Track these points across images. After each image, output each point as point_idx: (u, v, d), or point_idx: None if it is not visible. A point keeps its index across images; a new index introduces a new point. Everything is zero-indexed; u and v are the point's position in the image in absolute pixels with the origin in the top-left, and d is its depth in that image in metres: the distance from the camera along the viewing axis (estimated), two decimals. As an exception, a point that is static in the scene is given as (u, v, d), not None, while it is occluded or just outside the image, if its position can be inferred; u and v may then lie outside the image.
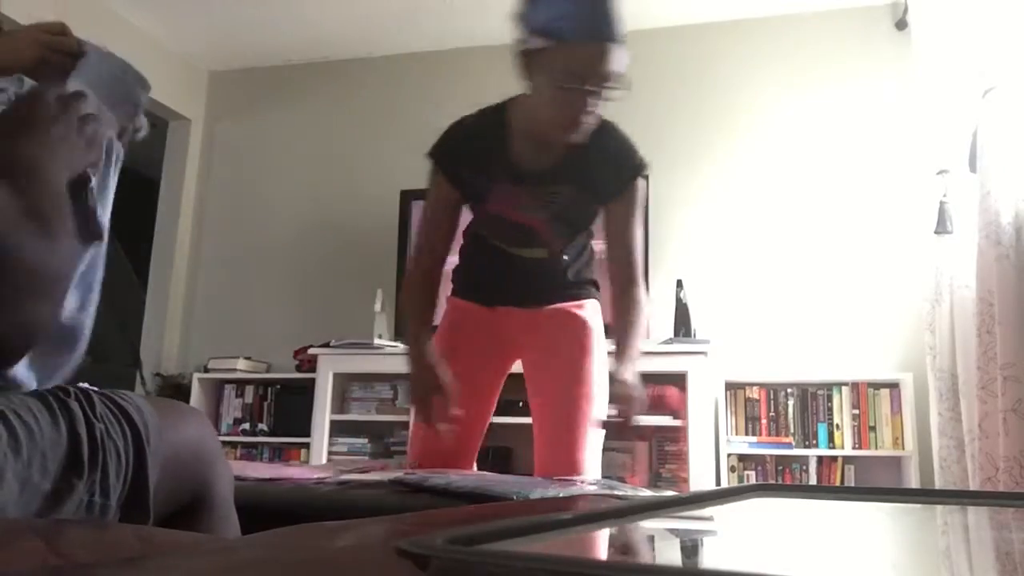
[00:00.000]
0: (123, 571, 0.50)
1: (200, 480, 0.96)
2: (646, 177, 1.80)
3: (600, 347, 1.84)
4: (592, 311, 1.88)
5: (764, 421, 3.37)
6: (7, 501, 0.70)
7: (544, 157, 1.69)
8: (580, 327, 1.84)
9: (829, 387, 3.34)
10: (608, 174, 1.73)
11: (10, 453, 0.71)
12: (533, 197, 1.72)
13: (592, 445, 1.76)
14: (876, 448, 3.24)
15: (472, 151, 1.73)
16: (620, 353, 1.69)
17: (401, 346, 3.56)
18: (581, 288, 1.89)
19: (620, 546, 0.48)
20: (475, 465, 1.91)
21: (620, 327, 1.74)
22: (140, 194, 5.41)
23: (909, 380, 3.21)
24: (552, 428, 1.79)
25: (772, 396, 3.38)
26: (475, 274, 1.91)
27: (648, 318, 1.79)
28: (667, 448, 3.36)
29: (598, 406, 1.77)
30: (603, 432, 1.78)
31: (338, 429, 3.65)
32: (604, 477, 1.77)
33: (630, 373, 1.63)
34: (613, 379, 1.63)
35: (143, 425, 0.85)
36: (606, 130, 1.72)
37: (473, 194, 1.76)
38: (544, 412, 1.83)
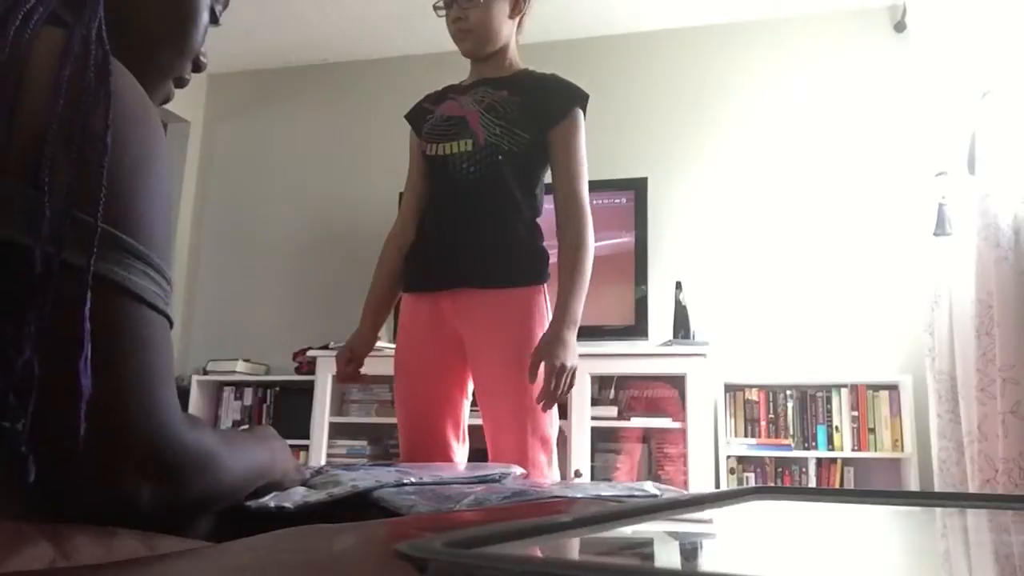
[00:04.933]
0: (128, 573, 0.51)
1: None
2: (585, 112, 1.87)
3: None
4: (536, 298, 1.78)
5: (763, 423, 3.37)
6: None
7: (487, 74, 1.87)
8: (524, 319, 1.74)
9: (828, 389, 3.34)
10: (551, 99, 1.82)
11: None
12: (472, 96, 1.84)
13: (546, 450, 1.73)
14: (875, 450, 3.25)
15: (433, 94, 1.97)
16: (555, 311, 1.71)
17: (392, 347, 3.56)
18: (524, 268, 1.79)
19: (619, 549, 0.48)
20: (460, 455, 1.86)
21: (560, 276, 1.75)
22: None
23: (908, 382, 3.21)
24: (511, 453, 1.71)
25: (771, 398, 3.38)
26: (414, 245, 1.90)
27: (590, 265, 1.78)
28: (666, 450, 3.36)
29: (550, 417, 1.74)
30: (555, 431, 1.76)
31: (337, 431, 3.65)
32: (603, 479, 1.75)
33: (555, 341, 1.64)
34: (538, 346, 1.66)
35: None
36: (543, 72, 1.90)
37: (420, 124, 1.90)
38: (490, 419, 1.77)
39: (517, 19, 1.89)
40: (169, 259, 0.69)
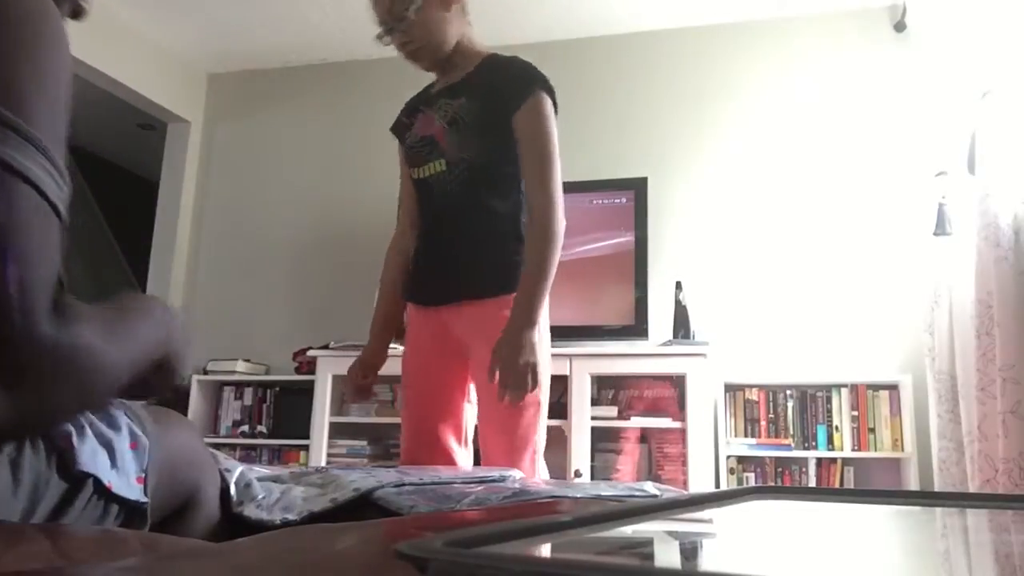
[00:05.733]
0: (127, 573, 0.51)
1: (193, 484, 0.98)
2: (552, 96, 1.79)
3: (539, 343, 1.77)
4: None
5: (763, 423, 3.37)
6: (28, 496, 0.72)
7: (449, 80, 1.87)
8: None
9: (828, 389, 3.34)
10: (509, 86, 1.77)
11: (29, 451, 0.73)
12: (437, 108, 1.83)
13: (536, 463, 1.77)
14: (875, 450, 3.24)
15: (409, 101, 1.99)
16: (513, 309, 1.68)
17: (400, 348, 3.56)
18: (511, 277, 1.78)
19: (619, 549, 0.48)
20: (460, 457, 1.89)
21: (524, 270, 1.71)
22: (139, 196, 5.40)
23: (908, 382, 3.21)
24: (494, 456, 1.77)
25: (771, 398, 3.38)
26: (414, 261, 1.93)
27: (555, 258, 1.71)
28: (666, 450, 3.36)
29: (535, 421, 1.76)
30: (543, 437, 1.79)
31: (337, 431, 3.65)
32: (603, 479, 1.76)
33: (509, 342, 1.63)
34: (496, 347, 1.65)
35: (142, 432, 0.87)
36: (504, 57, 1.85)
37: (403, 136, 1.93)
38: (485, 431, 1.82)
39: (456, 7, 1.82)
40: (59, 148, 0.62)
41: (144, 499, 0.83)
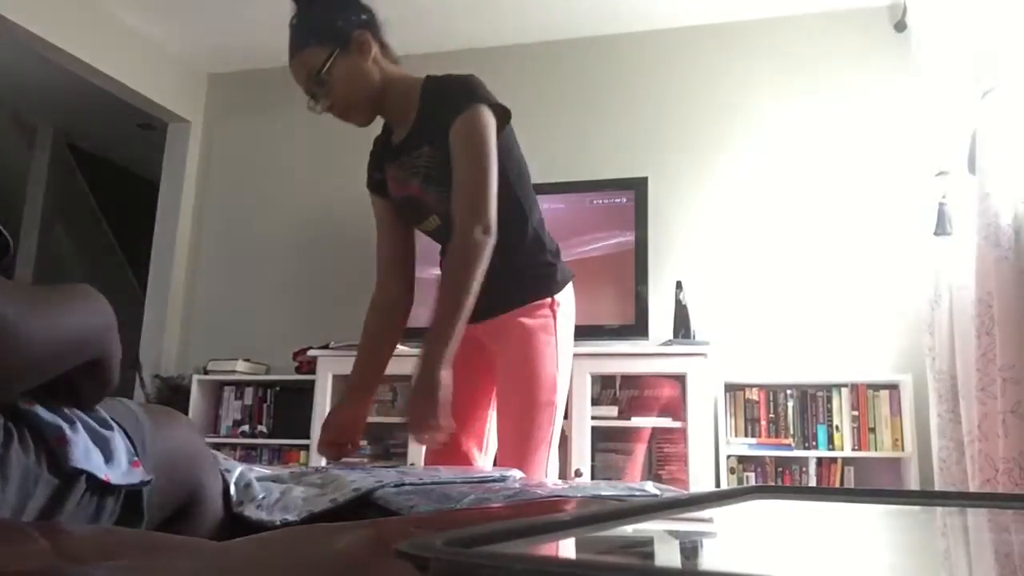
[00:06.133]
0: (126, 572, 0.51)
1: (194, 483, 0.98)
2: (490, 105, 1.70)
3: (550, 349, 1.80)
4: (540, 312, 1.81)
5: (764, 422, 3.37)
6: (16, 493, 0.72)
7: (402, 129, 1.81)
8: (525, 337, 1.79)
9: (829, 388, 3.34)
10: (443, 117, 1.71)
11: (17, 447, 0.73)
12: (405, 166, 1.79)
13: (542, 460, 1.80)
14: (875, 450, 3.25)
15: (373, 154, 1.93)
16: (425, 343, 1.60)
17: (401, 348, 3.55)
18: (525, 288, 1.80)
19: (619, 548, 0.48)
20: (480, 464, 1.93)
21: (439, 297, 1.62)
22: (139, 196, 5.41)
23: (908, 382, 3.21)
24: (506, 456, 1.81)
25: (772, 397, 3.38)
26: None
27: (472, 283, 1.61)
28: (666, 449, 3.36)
29: (545, 420, 1.79)
30: (554, 441, 1.82)
31: (337, 431, 3.64)
32: (604, 478, 1.78)
33: (420, 382, 1.56)
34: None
35: (136, 430, 0.87)
36: (440, 82, 1.78)
37: (383, 191, 1.88)
38: (502, 427, 1.86)
39: (372, 52, 1.76)
40: None
41: (147, 477, 0.83)
